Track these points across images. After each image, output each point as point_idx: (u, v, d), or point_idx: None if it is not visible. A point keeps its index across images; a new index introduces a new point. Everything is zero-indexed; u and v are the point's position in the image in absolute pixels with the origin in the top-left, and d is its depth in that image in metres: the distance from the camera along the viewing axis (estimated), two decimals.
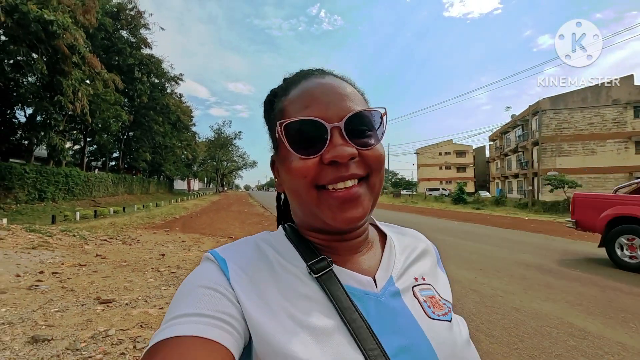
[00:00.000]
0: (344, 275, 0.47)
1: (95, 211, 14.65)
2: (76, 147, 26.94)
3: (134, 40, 22.81)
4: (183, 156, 44.98)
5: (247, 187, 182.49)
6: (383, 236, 0.58)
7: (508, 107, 32.65)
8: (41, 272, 4.83)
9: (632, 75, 28.58)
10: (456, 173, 66.79)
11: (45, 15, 10.49)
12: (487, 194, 47.00)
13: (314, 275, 0.45)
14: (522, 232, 11.15)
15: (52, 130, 15.04)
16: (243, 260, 0.47)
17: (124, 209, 18.02)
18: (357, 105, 0.46)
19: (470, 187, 63.45)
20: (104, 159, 32.31)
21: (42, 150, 21.74)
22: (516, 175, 38.97)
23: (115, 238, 8.72)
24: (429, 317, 0.47)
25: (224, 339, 0.37)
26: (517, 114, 40.05)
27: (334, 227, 0.46)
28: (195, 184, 72.79)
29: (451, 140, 66.01)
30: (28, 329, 3.03)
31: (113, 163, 33.92)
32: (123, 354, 2.67)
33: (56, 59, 12.48)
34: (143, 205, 21.25)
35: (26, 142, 19.24)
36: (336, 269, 0.48)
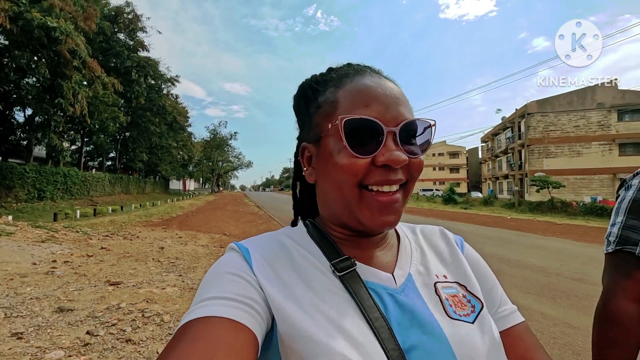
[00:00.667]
0: (365, 271, 0.48)
1: (95, 209, 15.17)
2: (73, 147, 27.35)
3: (131, 43, 23.32)
4: (179, 156, 45.39)
5: (242, 188, 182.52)
6: (397, 232, 0.59)
7: (498, 110, 33.71)
8: (54, 261, 5.42)
9: (615, 80, 29.52)
10: (449, 174, 67.70)
11: (49, 23, 11.03)
12: (480, 194, 47.81)
13: (337, 274, 0.46)
14: (500, 229, 11.86)
15: (52, 131, 15.50)
16: (265, 251, 0.49)
17: (122, 207, 18.53)
18: (408, 112, 0.48)
19: (463, 188, 64.55)
20: (100, 158, 32.72)
21: (40, 151, 22.17)
22: (506, 176, 39.88)
23: (116, 234, 9.29)
24: (449, 317, 0.47)
25: (248, 322, 0.39)
26: (507, 116, 40.96)
27: (369, 228, 0.47)
28: (191, 184, 73.11)
29: (444, 141, 66.93)
30: (52, 302, 3.63)
31: (109, 163, 34.33)
32: (134, 320, 3.28)
33: (57, 63, 13.01)
34: (140, 205, 21.74)
35: (25, 142, 19.70)
36: (358, 265, 0.48)
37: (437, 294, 0.49)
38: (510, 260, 6.36)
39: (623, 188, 0.88)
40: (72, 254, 6.01)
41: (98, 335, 2.91)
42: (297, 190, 0.62)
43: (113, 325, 3.13)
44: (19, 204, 16.32)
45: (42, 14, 11.21)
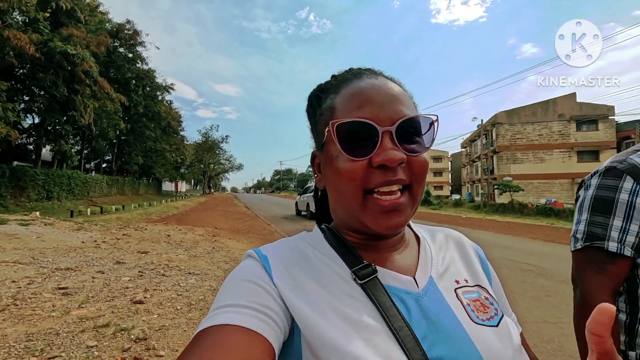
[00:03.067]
0: (386, 275, 0.48)
1: (102, 208, 17.19)
2: (73, 150, 29.18)
3: (130, 56, 25.34)
4: (172, 159, 47.25)
5: (234, 189, 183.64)
6: (417, 236, 0.58)
7: (474, 118, 36.17)
8: (95, 241, 7.59)
9: (574, 94, 32.55)
10: (433, 177, 70.68)
11: (69, 50, 13.12)
12: (459, 197, 50.60)
13: (359, 282, 0.46)
14: (452, 225, 14.28)
15: (62, 139, 17.51)
16: (284, 258, 0.48)
17: (123, 207, 20.53)
18: (408, 109, 0.47)
19: (446, 191, 67.55)
20: (97, 161, 34.49)
21: (44, 154, 24.00)
22: (479, 180, 42.67)
23: (127, 227, 11.41)
24: (474, 322, 0.45)
25: (265, 331, 0.39)
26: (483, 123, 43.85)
27: (375, 232, 0.47)
28: (183, 186, 74.68)
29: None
30: (110, 260, 5.83)
31: (104, 165, 36.07)
32: (163, 267, 5.49)
33: (72, 81, 15.09)
34: (138, 205, 23.71)
35: (32, 146, 21.61)
36: (379, 270, 0.48)
37: (459, 299, 0.48)
38: None
39: (582, 188, 0.90)
40: (104, 238, 8.18)
41: (145, 273, 5.13)
42: (319, 195, 0.63)
43: (152, 270, 5.35)
44: (30, 203, 18.22)
45: (62, 42, 13.32)
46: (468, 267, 0.55)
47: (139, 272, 5.16)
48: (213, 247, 7.74)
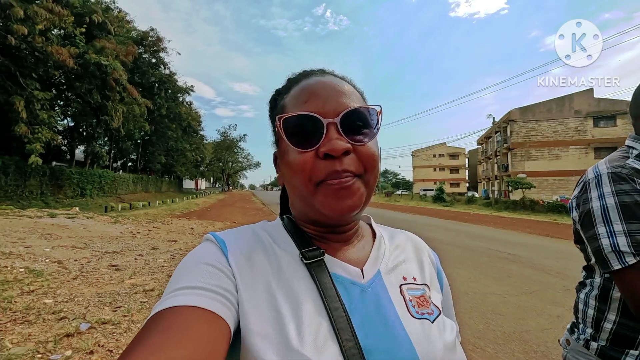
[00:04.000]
0: (334, 264, 0.50)
1: (130, 204, 18.71)
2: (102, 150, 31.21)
3: (154, 61, 26.93)
4: (192, 158, 49.19)
5: (252, 187, 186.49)
6: (374, 234, 0.60)
7: (489, 115, 36.05)
8: (131, 232, 8.80)
9: (591, 89, 32.09)
10: (449, 174, 70.31)
11: (102, 61, 14.53)
12: (476, 194, 50.44)
13: (305, 262, 0.48)
14: (456, 222, 14.96)
15: (94, 141, 19.09)
16: (240, 242, 0.50)
17: (149, 203, 22.10)
18: (354, 103, 0.48)
19: (462, 188, 67.09)
20: (123, 160, 36.56)
21: (76, 154, 25.94)
22: (496, 177, 42.50)
23: (155, 221, 12.69)
24: (412, 316, 0.48)
25: (222, 312, 0.39)
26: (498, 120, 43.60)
27: (329, 218, 0.48)
28: (202, 184, 77.14)
29: (445, 143, 69.59)
30: (147, 246, 6.97)
31: (130, 164, 38.16)
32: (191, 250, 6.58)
33: (104, 88, 16.56)
34: (162, 201, 25.31)
35: (66, 147, 23.46)
36: (327, 258, 0.49)
37: (402, 294, 0.50)
38: (428, 237, 9.53)
39: (582, 202, 0.87)
40: (138, 230, 9.40)
41: (175, 256, 6.22)
42: (281, 193, 0.65)
43: (181, 254, 6.44)
44: (67, 199, 19.98)
45: (96, 54, 14.73)
46: (420, 269, 0.57)
47: (171, 255, 6.26)
48: None
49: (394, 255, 0.57)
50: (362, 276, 0.50)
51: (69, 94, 16.29)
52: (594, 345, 0.87)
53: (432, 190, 55.29)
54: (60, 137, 23.13)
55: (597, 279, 0.90)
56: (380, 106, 0.50)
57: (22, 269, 4.64)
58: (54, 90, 16.53)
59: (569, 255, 6.90)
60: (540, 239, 9.62)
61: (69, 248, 6.28)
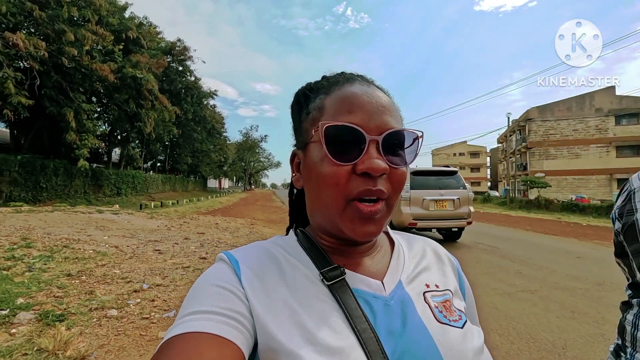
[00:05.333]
0: (354, 279, 0.49)
1: (161, 202, 20.54)
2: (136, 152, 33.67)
3: (180, 69, 28.92)
4: (216, 158, 51.52)
5: (273, 186, 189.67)
6: (392, 243, 0.59)
7: (509, 114, 36.01)
8: (166, 226, 10.30)
9: (613, 87, 31.55)
10: (470, 173, 69.62)
11: (138, 74, 16.29)
12: (497, 193, 50.02)
13: (326, 283, 0.46)
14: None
15: (130, 145, 21.03)
16: (254, 262, 0.49)
17: (177, 201, 23.97)
18: (396, 122, 0.48)
19: (484, 187, 66.33)
20: (152, 161, 39.06)
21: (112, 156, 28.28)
22: (514, 177, 42.20)
23: (184, 217, 14.26)
24: (439, 322, 0.47)
25: (235, 337, 0.39)
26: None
27: (350, 238, 0.47)
28: (226, 183, 79.94)
29: (465, 141, 68.99)
30: (180, 237, 8.39)
31: (158, 164, 40.67)
32: (217, 243, 7.92)
33: (138, 97, 18.40)
34: (189, 200, 27.22)
35: (103, 150, 25.70)
36: (348, 274, 0.48)
37: (427, 302, 0.49)
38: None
39: (632, 210, 0.80)
40: (171, 224, 10.90)
41: (204, 245, 7.57)
42: (294, 196, 0.62)
43: (208, 243, 7.79)
44: (106, 198, 22.11)
45: (132, 68, 16.51)
46: (441, 275, 0.56)
47: (200, 244, 7.63)
48: (250, 231, 10.16)
49: (414, 264, 0.56)
50: (384, 289, 0.49)
51: (108, 104, 18.19)
52: None
53: None
54: (101, 142, 25.52)
55: None
56: (422, 132, 0.50)
57: (91, 251, 6.09)
58: (94, 99, 18.55)
59: (540, 247, 7.80)
60: (529, 234, 10.40)
61: (120, 237, 7.76)
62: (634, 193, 0.82)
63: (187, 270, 5.31)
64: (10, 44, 10.77)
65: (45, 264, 5.00)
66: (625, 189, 0.87)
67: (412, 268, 0.55)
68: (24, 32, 12.27)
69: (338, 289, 0.46)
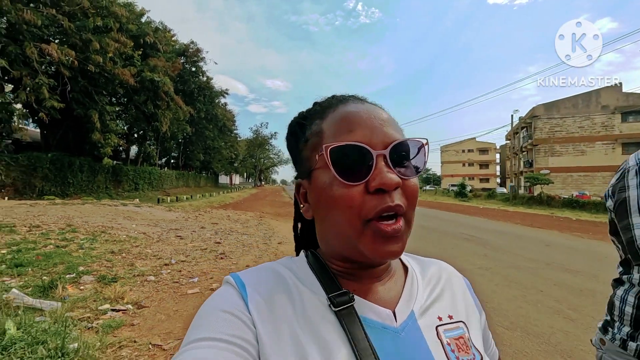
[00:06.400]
0: (364, 306, 0.47)
1: (177, 197, 21.86)
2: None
3: (194, 70, 30.21)
4: (227, 155, 53.00)
5: (283, 182, 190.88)
6: (405, 266, 0.56)
7: (515, 110, 36.34)
8: (183, 217, 11.48)
9: (620, 84, 31.64)
10: (479, 170, 69.67)
11: (155, 77, 17.52)
12: (505, 190, 50.25)
13: (333, 309, 0.45)
14: (453, 213, 16.58)
15: (147, 143, 22.37)
16: (262, 286, 0.47)
17: (191, 196, 25.32)
18: (397, 133, 0.47)
19: (492, 184, 66.38)
20: (166, 158, 40.64)
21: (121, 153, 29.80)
22: (521, 173, 42.45)
23: (198, 210, 15.47)
24: None
25: None
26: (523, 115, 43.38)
27: (371, 260, 0.46)
28: (236, 179, 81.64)
29: (474, 138, 68.98)
30: (196, 226, 9.53)
31: (172, 161, 42.26)
32: (229, 231, 9.03)
33: (156, 99, 19.67)
34: (202, 195, 28.58)
35: (121, 148, 27.18)
36: (357, 300, 0.47)
37: (439, 338, 0.47)
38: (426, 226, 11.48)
39: (624, 187, 0.84)
40: (187, 216, 12.09)
41: (218, 233, 8.68)
42: (299, 229, 0.61)
43: (222, 231, 8.91)
44: (125, 193, 23.56)
45: (150, 72, 17.74)
46: (455, 304, 0.53)
47: (214, 232, 8.74)
48: (259, 223, 11.26)
49: (428, 292, 0.53)
50: (395, 319, 0.47)
51: (128, 104, 19.52)
52: (632, 345, 0.83)
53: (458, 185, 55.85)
54: (122, 140, 27.03)
55: (636, 275, 0.85)
56: (427, 139, 0.48)
57: (125, 236, 7.25)
58: (113, 100, 19.92)
59: (517, 237, 8.71)
60: (516, 227, 11.23)
61: (146, 225, 8.94)
62: (627, 171, 0.84)
63: (205, 252, 6.42)
64: (46, 54, 12.05)
65: (92, 245, 6.16)
66: (620, 167, 0.90)
67: (425, 297, 0.52)
68: (56, 42, 13.56)
69: (345, 316, 0.44)
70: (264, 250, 6.78)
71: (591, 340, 1.01)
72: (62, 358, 2.41)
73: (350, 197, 0.43)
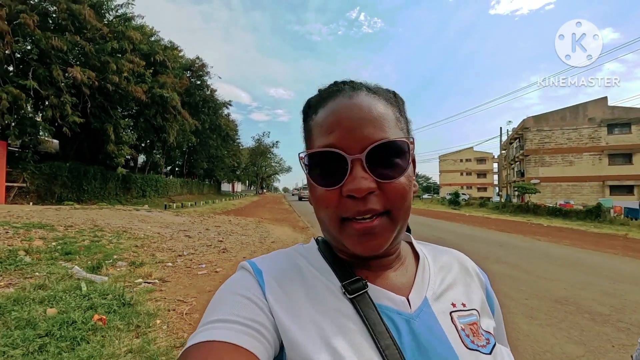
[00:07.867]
0: (378, 293, 0.47)
1: (182, 204, 23.31)
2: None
3: (199, 83, 31.95)
4: (230, 163, 54.61)
5: (285, 189, 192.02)
6: (417, 254, 0.57)
7: (509, 121, 37.78)
8: (190, 221, 12.89)
9: (605, 97, 33.08)
10: (477, 179, 70.97)
11: (164, 94, 19.13)
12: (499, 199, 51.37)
13: (348, 296, 0.45)
14: (435, 219, 17.87)
15: (154, 152, 23.91)
16: (278, 272, 0.48)
17: (195, 203, 26.77)
18: (383, 131, 0.45)
19: (490, 193, 67.53)
20: (171, 166, 42.25)
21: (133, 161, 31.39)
22: (514, 182, 43.71)
23: (203, 216, 16.88)
24: (467, 347, 0.45)
25: (254, 347, 0.39)
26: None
27: (356, 254, 0.47)
28: (239, 186, 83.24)
29: (472, 147, 70.41)
30: (201, 228, 10.93)
31: (177, 169, 43.87)
32: (231, 232, 10.43)
33: (164, 113, 21.26)
34: (205, 202, 30.01)
35: (130, 157, 28.76)
36: (370, 287, 0.47)
37: (453, 323, 0.47)
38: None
39: None
40: (193, 220, 13.49)
41: (221, 234, 10.07)
42: None
43: (224, 233, 10.30)
44: (133, 199, 25.05)
45: (160, 88, 19.37)
46: (468, 292, 0.53)
47: (217, 233, 10.13)
48: (257, 226, 12.65)
49: (440, 279, 0.53)
50: (409, 305, 0.47)
51: (139, 117, 21.13)
52: None
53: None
54: (133, 150, 28.61)
55: None
56: (413, 138, 0.48)
57: (142, 235, 8.66)
58: (124, 113, 21.54)
59: (479, 239, 10.01)
60: (485, 231, 12.55)
61: (158, 227, 10.35)
62: None
63: (210, 247, 7.81)
64: (71, 76, 13.64)
65: (119, 240, 7.58)
66: None
67: (438, 283, 0.52)
68: (77, 64, 15.19)
69: (360, 302, 0.45)
70: (258, 247, 8.16)
71: (632, 357, 1.01)
72: (122, 302, 3.80)
73: (328, 198, 0.45)
